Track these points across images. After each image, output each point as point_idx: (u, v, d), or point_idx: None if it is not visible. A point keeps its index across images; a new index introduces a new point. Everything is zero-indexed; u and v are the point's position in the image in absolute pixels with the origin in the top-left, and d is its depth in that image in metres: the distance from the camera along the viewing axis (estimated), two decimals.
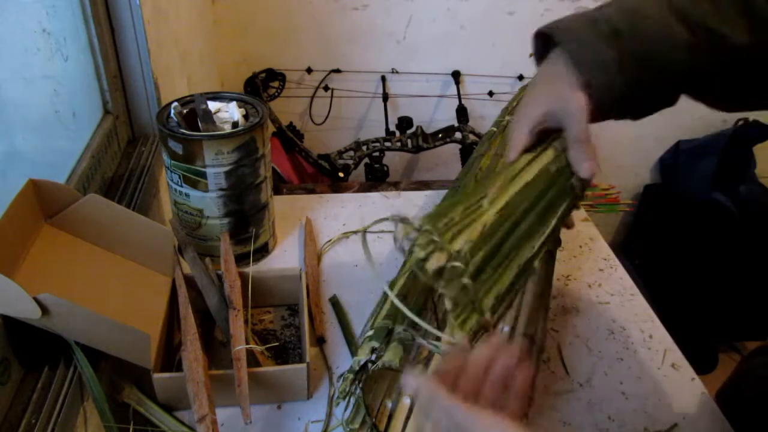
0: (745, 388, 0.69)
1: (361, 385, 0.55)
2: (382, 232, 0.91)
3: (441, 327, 0.70)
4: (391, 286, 0.69)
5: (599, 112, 0.51)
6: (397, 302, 0.49)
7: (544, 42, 0.54)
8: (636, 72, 0.49)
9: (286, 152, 1.66)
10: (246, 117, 0.75)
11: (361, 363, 0.54)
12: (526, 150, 0.54)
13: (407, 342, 0.56)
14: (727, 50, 0.49)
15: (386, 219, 0.42)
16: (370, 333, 0.57)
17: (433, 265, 0.38)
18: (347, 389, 0.55)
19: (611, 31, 0.49)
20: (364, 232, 0.44)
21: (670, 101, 0.53)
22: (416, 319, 0.45)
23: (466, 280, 0.40)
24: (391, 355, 0.53)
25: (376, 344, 0.55)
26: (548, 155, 0.53)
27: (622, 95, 0.50)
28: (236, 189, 0.74)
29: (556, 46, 0.52)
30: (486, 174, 0.53)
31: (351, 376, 0.55)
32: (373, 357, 0.54)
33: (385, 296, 0.67)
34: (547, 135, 0.55)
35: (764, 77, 0.51)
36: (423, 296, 0.64)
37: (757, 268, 1.74)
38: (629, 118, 0.54)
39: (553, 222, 0.52)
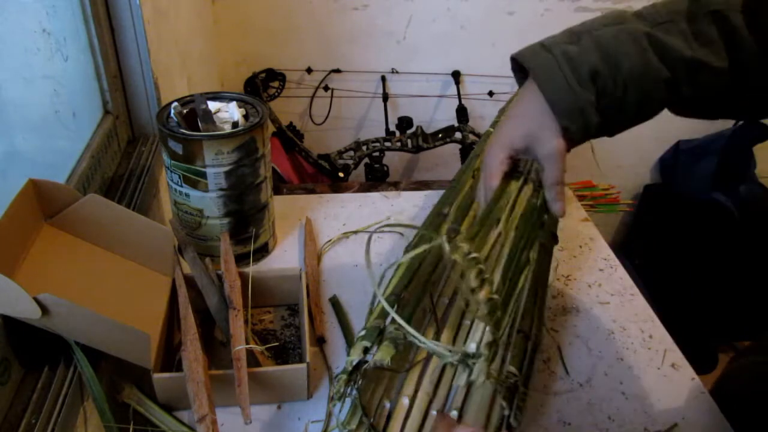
0: (734, 388, 0.69)
1: (356, 385, 0.55)
2: (382, 232, 0.91)
3: (441, 327, 0.70)
4: (386, 287, 0.69)
5: (575, 145, 0.53)
6: (392, 312, 0.50)
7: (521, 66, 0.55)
8: (615, 112, 0.50)
9: (286, 152, 1.66)
10: (246, 117, 0.75)
11: (354, 363, 0.54)
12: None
13: (399, 341, 0.56)
14: (708, 76, 0.49)
15: (406, 225, 0.46)
16: (363, 333, 0.57)
17: (482, 296, 0.42)
18: (341, 390, 0.55)
19: (590, 73, 0.49)
20: (372, 233, 0.46)
21: (647, 119, 0.54)
22: (417, 335, 0.46)
23: (499, 313, 0.44)
24: (382, 354, 0.53)
25: (368, 344, 0.55)
26: (529, 189, 0.56)
27: (598, 130, 0.51)
28: (236, 189, 0.74)
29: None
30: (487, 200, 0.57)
31: (345, 377, 0.55)
32: (368, 357, 0.54)
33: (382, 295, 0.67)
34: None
35: (745, 94, 0.52)
36: (421, 296, 0.64)
37: (757, 268, 1.74)
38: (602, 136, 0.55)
39: (533, 256, 0.57)
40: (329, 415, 0.61)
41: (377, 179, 1.63)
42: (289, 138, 1.63)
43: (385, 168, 1.64)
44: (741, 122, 1.91)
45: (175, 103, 0.75)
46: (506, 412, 0.52)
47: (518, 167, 0.57)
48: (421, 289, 0.64)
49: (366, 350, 0.54)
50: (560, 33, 0.52)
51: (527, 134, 0.53)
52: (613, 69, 0.49)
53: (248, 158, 0.73)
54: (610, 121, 0.51)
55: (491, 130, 1.01)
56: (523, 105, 0.54)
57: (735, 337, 1.99)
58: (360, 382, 0.55)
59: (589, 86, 0.49)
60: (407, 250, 0.73)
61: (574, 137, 0.51)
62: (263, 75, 1.72)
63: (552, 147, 0.51)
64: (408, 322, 0.59)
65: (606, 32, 0.50)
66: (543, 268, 0.74)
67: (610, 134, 0.54)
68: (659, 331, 0.75)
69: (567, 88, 0.49)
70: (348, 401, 0.56)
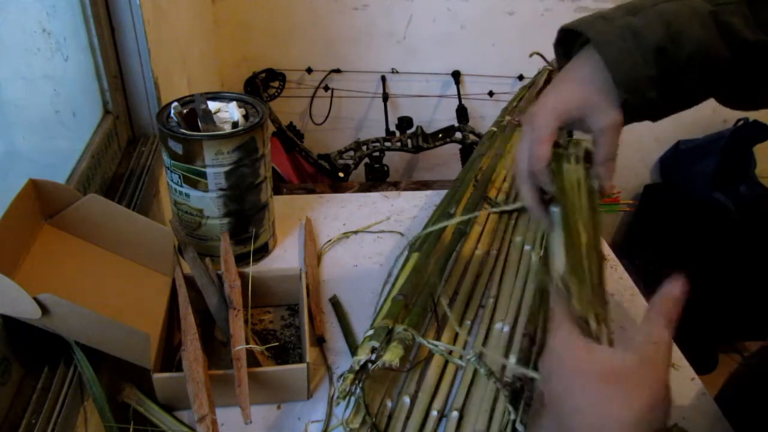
0: (746, 389, 0.69)
1: (361, 384, 0.55)
2: (382, 232, 0.91)
3: (441, 327, 0.70)
4: (392, 286, 0.69)
5: (625, 124, 0.50)
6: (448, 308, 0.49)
7: (571, 36, 0.52)
8: (672, 90, 0.48)
9: (286, 152, 1.66)
10: (246, 117, 0.75)
11: (361, 363, 0.54)
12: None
13: (407, 342, 0.56)
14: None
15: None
16: (370, 332, 0.57)
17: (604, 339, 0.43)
18: (347, 389, 0.55)
19: (655, 49, 0.47)
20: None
21: (693, 105, 0.52)
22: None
23: None
24: (391, 355, 0.54)
25: (375, 344, 0.55)
26: (580, 170, 0.52)
27: (650, 109, 0.49)
28: (236, 189, 0.74)
29: (586, 43, 0.50)
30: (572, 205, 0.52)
31: (351, 376, 0.55)
32: (373, 357, 0.54)
33: (387, 295, 0.67)
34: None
35: None
36: (424, 297, 0.64)
37: (757, 268, 1.74)
38: (647, 120, 0.54)
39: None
40: (329, 415, 0.61)
41: (377, 179, 1.63)
42: (289, 138, 1.63)
43: (385, 168, 1.65)
44: (741, 122, 1.91)
45: (175, 103, 0.75)
46: (512, 416, 0.52)
47: (558, 142, 0.53)
48: (426, 290, 0.64)
49: (373, 350, 0.54)
50: (614, 7, 0.50)
51: (585, 102, 0.49)
52: (677, 46, 0.47)
53: (248, 158, 0.73)
54: (665, 100, 0.49)
55: (494, 129, 1.01)
56: (581, 71, 0.50)
57: (735, 337, 1.99)
58: (364, 382, 0.55)
59: (652, 62, 0.47)
60: (412, 249, 0.73)
61: (630, 113, 0.48)
62: (263, 75, 1.72)
63: (611, 119, 0.48)
64: (416, 322, 0.59)
65: (668, 7, 0.48)
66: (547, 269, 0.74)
67: (655, 118, 0.52)
68: None
69: (631, 61, 0.47)
70: (351, 400, 0.56)
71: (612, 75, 0.47)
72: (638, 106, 0.48)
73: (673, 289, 0.42)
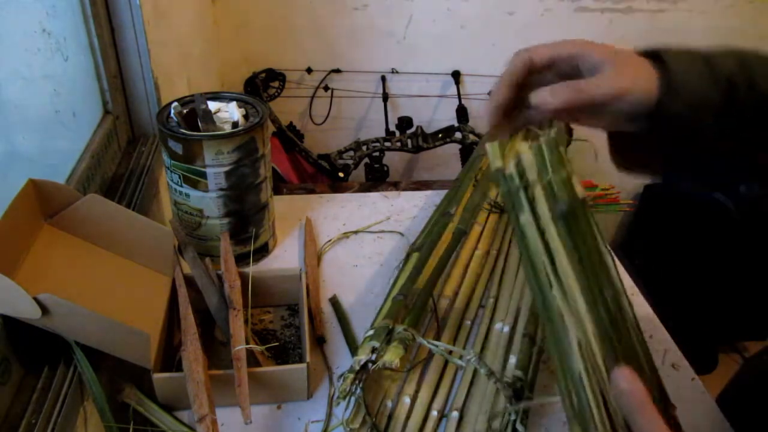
0: (748, 391, 0.69)
1: (361, 384, 0.55)
2: (382, 232, 0.91)
3: (441, 327, 0.70)
4: (392, 286, 0.69)
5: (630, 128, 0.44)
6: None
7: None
8: (729, 128, 0.43)
9: (286, 152, 1.66)
10: (246, 117, 0.75)
11: (362, 363, 0.54)
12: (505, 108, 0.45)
13: (407, 342, 0.56)
14: None
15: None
16: (371, 333, 0.57)
17: None
18: (347, 389, 0.55)
19: (726, 79, 0.42)
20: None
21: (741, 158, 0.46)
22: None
23: None
24: (391, 356, 0.54)
25: (376, 344, 0.55)
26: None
27: (693, 139, 0.44)
28: (236, 189, 0.74)
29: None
30: None
31: (351, 375, 0.55)
32: (373, 357, 0.54)
33: (387, 295, 0.67)
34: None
35: None
36: (423, 297, 0.64)
37: (757, 268, 1.74)
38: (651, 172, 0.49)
39: None
40: (329, 415, 0.61)
41: (377, 179, 1.63)
42: (289, 138, 1.63)
43: (385, 168, 1.64)
44: None
45: (175, 103, 0.75)
46: (512, 417, 0.52)
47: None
48: (425, 290, 0.64)
49: (373, 350, 0.54)
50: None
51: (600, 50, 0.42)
52: (750, 84, 0.43)
53: (248, 158, 0.73)
54: (719, 132, 0.43)
55: None
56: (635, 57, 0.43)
57: (735, 337, 1.99)
58: (364, 381, 0.55)
59: (718, 85, 0.42)
60: (412, 249, 0.73)
61: (655, 120, 0.42)
62: (263, 75, 1.72)
63: (644, 83, 0.41)
64: (416, 322, 0.59)
65: (742, 51, 0.45)
66: None
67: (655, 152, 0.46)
68: (659, 332, 0.75)
69: (698, 77, 0.42)
70: (350, 400, 0.56)
71: (672, 78, 0.42)
72: (672, 117, 0.42)
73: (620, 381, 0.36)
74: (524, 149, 0.40)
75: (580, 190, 0.39)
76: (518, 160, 0.40)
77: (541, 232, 0.39)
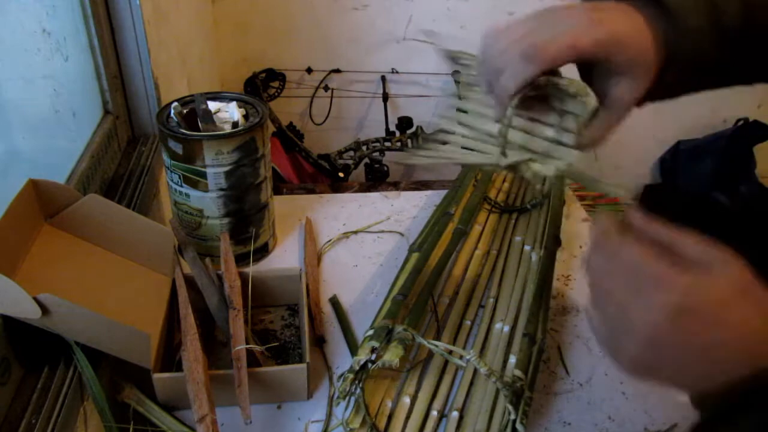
0: None
1: (361, 384, 0.55)
2: (382, 232, 0.91)
3: (441, 327, 0.70)
4: (392, 286, 0.69)
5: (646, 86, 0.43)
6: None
7: None
8: (737, 53, 0.43)
9: (286, 152, 1.66)
10: (246, 117, 0.75)
11: (361, 363, 0.54)
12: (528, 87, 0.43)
13: (407, 342, 0.56)
14: None
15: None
16: (370, 333, 0.57)
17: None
18: (347, 389, 0.55)
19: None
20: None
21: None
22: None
23: None
24: (391, 355, 0.54)
25: (376, 344, 0.55)
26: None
27: (698, 70, 0.43)
28: (236, 189, 0.74)
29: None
30: None
31: (351, 376, 0.55)
32: (373, 357, 0.54)
33: (387, 295, 0.67)
34: None
35: None
36: (423, 297, 0.64)
37: (757, 268, 1.74)
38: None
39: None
40: (329, 415, 0.61)
41: (377, 179, 1.63)
42: (289, 138, 1.63)
43: (385, 168, 1.65)
44: (741, 122, 1.91)
45: (175, 103, 0.75)
46: (512, 417, 0.52)
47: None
48: (425, 290, 0.64)
49: (373, 350, 0.54)
50: None
51: (611, 36, 0.41)
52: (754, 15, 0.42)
53: (248, 158, 0.73)
54: (724, 62, 0.43)
55: None
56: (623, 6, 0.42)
57: None
58: (364, 381, 0.55)
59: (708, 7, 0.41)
60: (412, 249, 0.73)
61: (670, 72, 0.42)
62: (263, 75, 1.72)
63: (649, 58, 0.40)
64: (416, 322, 0.59)
65: None
66: (547, 272, 0.74)
67: (674, 93, 0.45)
68: None
69: (696, 10, 0.41)
70: (350, 400, 0.56)
71: (674, 20, 0.41)
72: (687, 60, 0.42)
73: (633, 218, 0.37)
74: None
75: None
76: None
77: None
